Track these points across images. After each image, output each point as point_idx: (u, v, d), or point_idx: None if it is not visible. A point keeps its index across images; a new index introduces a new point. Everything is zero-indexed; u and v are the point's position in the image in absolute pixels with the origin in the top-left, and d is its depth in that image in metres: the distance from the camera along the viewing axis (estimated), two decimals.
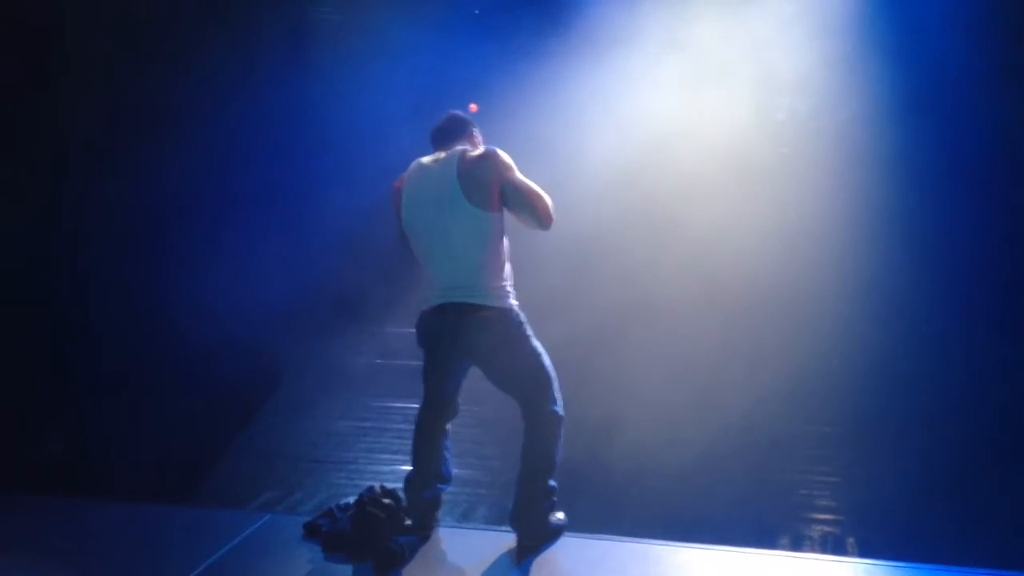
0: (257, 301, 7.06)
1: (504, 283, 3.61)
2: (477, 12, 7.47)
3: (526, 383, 3.65)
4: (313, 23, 7.80)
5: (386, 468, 5.51)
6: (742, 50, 6.90)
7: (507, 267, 3.65)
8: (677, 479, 5.08)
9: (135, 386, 6.53)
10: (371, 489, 3.99)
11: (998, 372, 5.95)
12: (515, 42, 7.08)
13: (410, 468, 3.98)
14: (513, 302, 3.63)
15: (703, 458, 5.27)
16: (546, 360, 3.69)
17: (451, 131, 3.73)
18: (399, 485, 4.14)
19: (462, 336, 3.53)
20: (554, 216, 3.56)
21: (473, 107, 8.52)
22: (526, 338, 3.63)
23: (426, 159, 3.69)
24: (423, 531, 3.86)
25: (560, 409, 3.73)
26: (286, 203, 7.72)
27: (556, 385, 3.72)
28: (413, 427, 4.05)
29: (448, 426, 4.01)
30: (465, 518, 4.96)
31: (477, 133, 3.82)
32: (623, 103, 6.95)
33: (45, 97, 7.25)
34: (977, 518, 4.54)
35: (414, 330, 3.83)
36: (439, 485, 3.98)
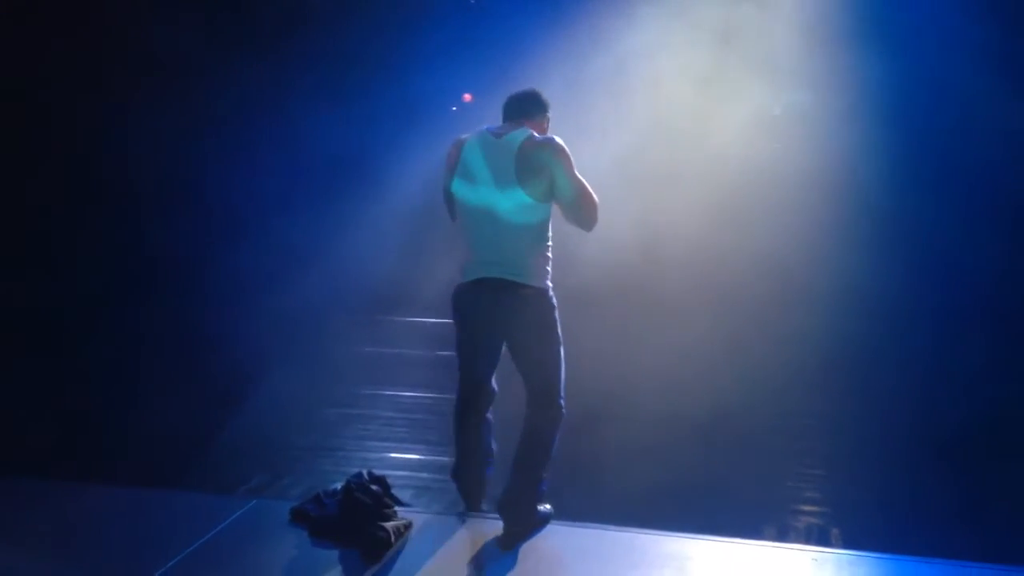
0: (249, 291, 7.08)
1: (544, 264, 3.60)
2: (473, 1, 7.48)
3: (544, 370, 3.65)
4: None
5: (374, 455, 5.51)
6: (739, 46, 6.92)
7: (549, 249, 3.64)
8: (664, 470, 5.08)
9: (124, 372, 6.52)
10: (359, 475, 3.99)
11: (983, 366, 6.01)
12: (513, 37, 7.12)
13: (453, 460, 3.95)
14: (549, 283, 3.62)
15: (690, 450, 5.30)
16: (562, 351, 3.70)
17: (524, 108, 3.64)
18: (387, 472, 4.15)
19: (500, 310, 3.53)
20: (598, 220, 3.58)
21: (467, 97, 8.56)
22: (555, 323, 3.63)
23: (491, 130, 3.61)
24: (476, 508, 3.87)
25: (563, 403, 3.74)
26: (287, 200, 7.75)
27: (563, 380, 3.74)
28: (452, 417, 4.01)
29: (489, 415, 3.92)
30: (454, 505, 4.96)
31: (549, 118, 3.74)
32: (615, 100, 6.97)
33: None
34: (960, 510, 4.58)
35: (450, 302, 3.78)
36: (487, 470, 3.92)
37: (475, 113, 8.10)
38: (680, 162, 6.85)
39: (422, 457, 5.51)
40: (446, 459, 5.20)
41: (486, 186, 3.49)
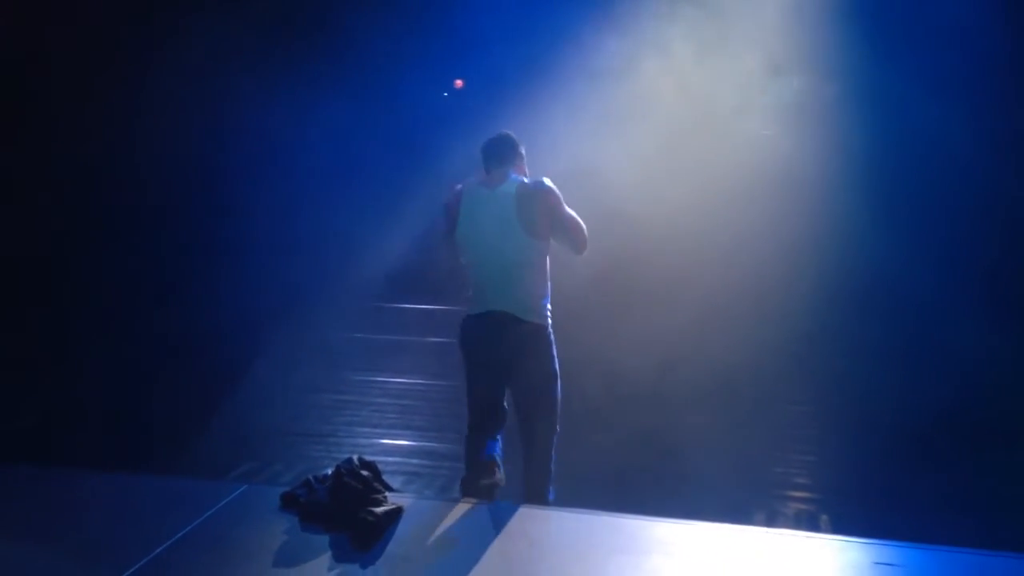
0: (240, 277, 7.06)
1: (544, 302, 3.98)
2: None
3: (539, 398, 4.00)
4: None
5: (364, 441, 5.53)
6: (727, 33, 6.91)
7: (548, 286, 4.01)
8: (654, 455, 5.12)
9: (114, 356, 6.51)
10: (349, 460, 3.98)
11: (972, 353, 6.03)
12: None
13: (465, 471, 4.14)
14: (549, 320, 3.99)
15: (680, 435, 5.32)
16: (559, 384, 4.04)
17: (502, 153, 4.02)
18: (377, 458, 4.16)
19: (503, 340, 3.89)
20: (588, 244, 3.98)
21: (459, 83, 8.55)
22: (552, 358, 4.00)
23: (482, 182, 4.00)
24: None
25: (558, 427, 4.08)
26: (279, 186, 7.74)
27: (559, 409, 4.06)
28: (465, 439, 4.18)
29: (498, 437, 4.14)
30: (444, 491, 4.98)
31: (523, 154, 4.11)
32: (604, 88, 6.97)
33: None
34: (949, 497, 4.61)
35: (457, 336, 4.11)
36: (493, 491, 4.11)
37: (467, 99, 8.11)
38: (669, 148, 6.84)
39: (412, 443, 5.53)
40: (436, 445, 5.23)
41: (490, 233, 3.87)
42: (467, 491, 4.10)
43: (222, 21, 7.28)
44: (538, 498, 4.07)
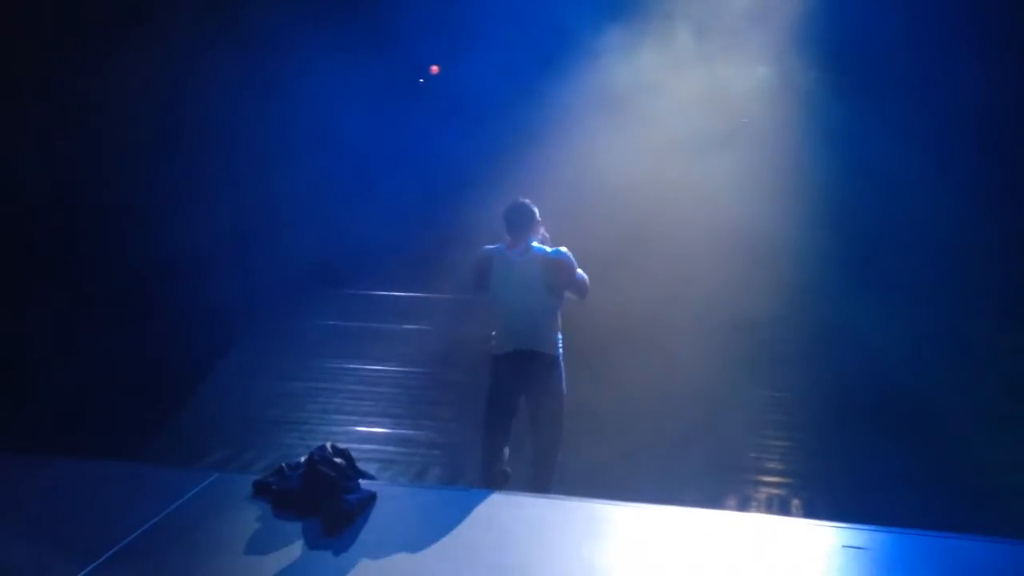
0: (216, 262, 7.01)
1: (558, 338, 4.71)
2: None
3: (552, 416, 4.67)
4: None
5: (338, 428, 5.50)
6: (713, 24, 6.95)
7: (560, 326, 4.71)
8: (627, 440, 5.14)
9: (87, 342, 6.44)
10: (322, 448, 3.97)
11: (945, 344, 6.12)
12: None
13: (484, 476, 4.60)
14: (561, 351, 4.71)
15: (654, 420, 5.35)
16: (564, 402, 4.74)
17: (522, 223, 4.69)
18: (352, 445, 4.16)
19: (528, 371, 4.63)
20: (589, 292, 4.77)
21: (434, 69, 8.53)
22: (562, 379, 4.72)
23: (510, 248, 4.67)
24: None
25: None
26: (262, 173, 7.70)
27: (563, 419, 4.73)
28: (481, 462, 4.59)
29: (507, 467, 4.66)
30: (419, 478, 4.99)
31: (539, 219, 4.75)
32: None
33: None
34: (919, 481, 4.67)
35: (489, 369, 4.69)
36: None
37: (449, 84, 8.14)
38: (652, 140, 6.87)
39: (387, 430, 5.53)
40: (411, 432, 5.25)
41: (519, 293, 4.63)
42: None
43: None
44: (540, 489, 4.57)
